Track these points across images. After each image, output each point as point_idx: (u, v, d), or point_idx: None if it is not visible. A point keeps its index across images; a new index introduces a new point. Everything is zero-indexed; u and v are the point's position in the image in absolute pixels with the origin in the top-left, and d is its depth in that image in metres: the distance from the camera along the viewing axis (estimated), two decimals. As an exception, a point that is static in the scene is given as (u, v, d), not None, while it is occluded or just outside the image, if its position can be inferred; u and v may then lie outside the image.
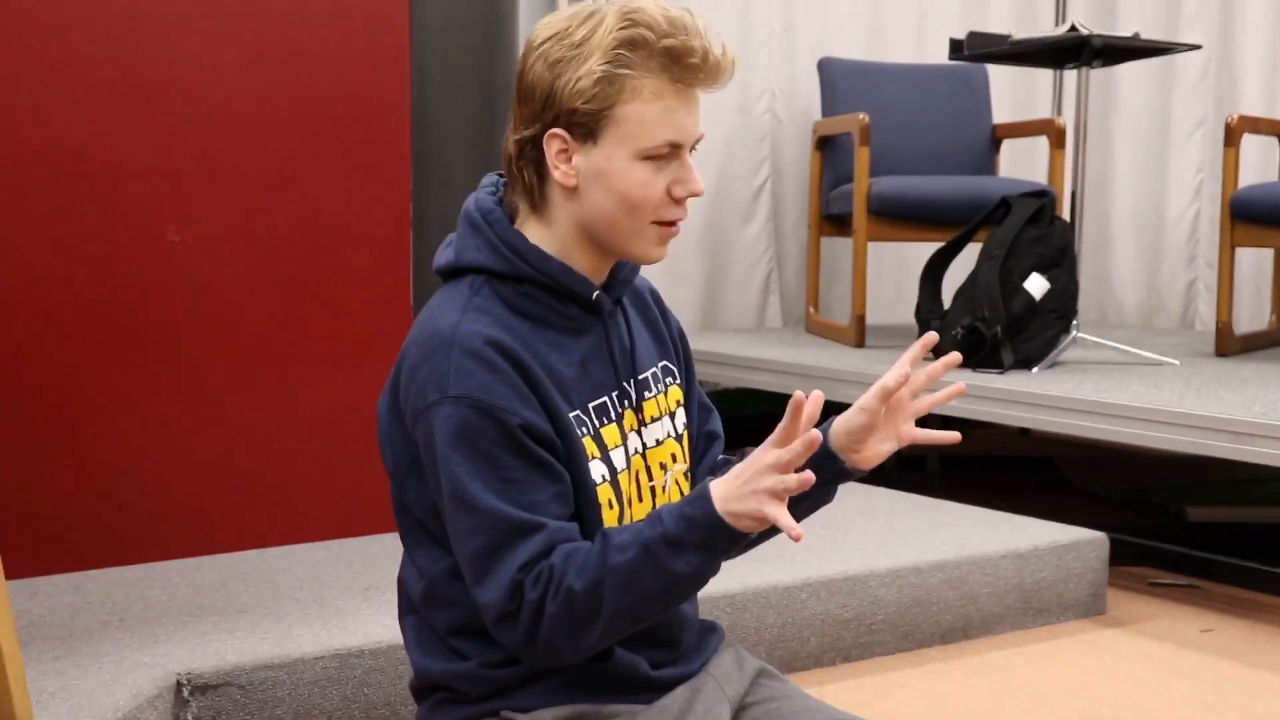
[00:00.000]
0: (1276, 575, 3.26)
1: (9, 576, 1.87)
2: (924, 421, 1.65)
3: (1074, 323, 4.06)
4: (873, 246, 4.52)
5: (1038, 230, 3.98)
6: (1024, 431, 5.13)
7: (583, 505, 1.51)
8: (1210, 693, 2.66)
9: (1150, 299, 5.70)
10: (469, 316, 1.50)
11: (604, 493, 1.54)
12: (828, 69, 5.01)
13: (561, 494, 1.49)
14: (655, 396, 1.64)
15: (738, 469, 1.41)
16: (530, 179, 1.54)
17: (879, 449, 1.58)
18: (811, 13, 5.26)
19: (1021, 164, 5.27)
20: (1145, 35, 4.58)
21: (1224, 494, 4.32)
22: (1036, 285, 3.91)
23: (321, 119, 2.83)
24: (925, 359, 1.59)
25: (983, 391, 3.63)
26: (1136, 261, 5.70)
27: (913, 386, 1.57)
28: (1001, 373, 3.81)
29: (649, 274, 1.74)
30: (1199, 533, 3.90)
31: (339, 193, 2.85)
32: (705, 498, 1.41)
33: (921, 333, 4.11)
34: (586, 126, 1.49)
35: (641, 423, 1.61)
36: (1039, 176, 4.95)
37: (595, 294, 1.57)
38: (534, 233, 1.56)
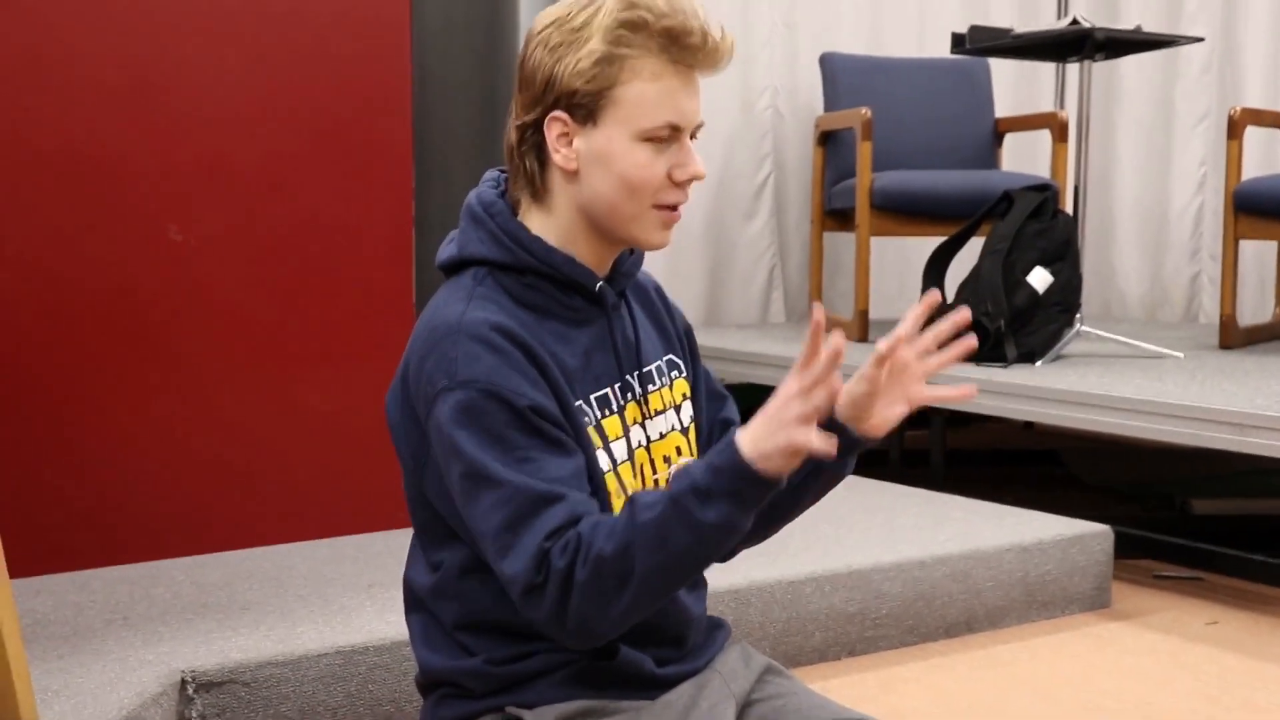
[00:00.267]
0: (1281, 567, 3.26)
1: (13, 575, 1.87)
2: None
3: (1077, 316, 4.06)
4: (875, 241, 4.52)
5: (1040, 224, 3.98)
6: (1028, 425, 5.12)
7: (594, 491, 1.51)
8: (1215, 685, 2.65)
9: (1154, 292, 5.70)
10: (474, 305, 1.50)
11: (610, 481, 1.54)
12: (829, 64, 5.00)
13: (579, 471, 1.48)
14: (660, 389, 1.64)
15: (763, 409, 1.39)
16: (531, 166, 1.54)
17: (887, 415, 1.55)
18: (813, 8, 5.26)
19: (1024, 158, 5.27)
20: (1147, 28, 4.58)
21: (1228, 487, 4.31)
22: (1039, 279, 3.90)
23: (323, 118, 2.83)
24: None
25: (986, 385, 3.63)
26: (1140, 255, 5.69)
27: (918, 348, 1.55)
28: (1005, 366, 3.80)
29: (652, 269, 1.74)
30: (1203, 525, 3.90)
31: (340, 191, 2.85)
32: (731, 445, 1.38)
33: (925, 327, 4.11)
34: (587, 108, 1.49)
35: (646, 415, 1.61)
36: (1042, 170, 4.94)
37: (598, 285, 1.56)
38: (536, 223, 1.56)
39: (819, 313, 1.36)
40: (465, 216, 1.59)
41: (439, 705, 1.62)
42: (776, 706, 1.66)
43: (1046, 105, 5.53)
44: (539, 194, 1.55)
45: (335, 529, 2.88)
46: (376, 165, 2.90)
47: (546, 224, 1.56)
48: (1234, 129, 4.33)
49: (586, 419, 1.53)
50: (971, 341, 1.56)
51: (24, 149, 2.55)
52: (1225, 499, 4.18)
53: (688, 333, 1.74)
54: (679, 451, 1.65)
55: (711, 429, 1.72)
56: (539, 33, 1.52)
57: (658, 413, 1.63)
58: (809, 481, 1.60)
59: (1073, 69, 5.15)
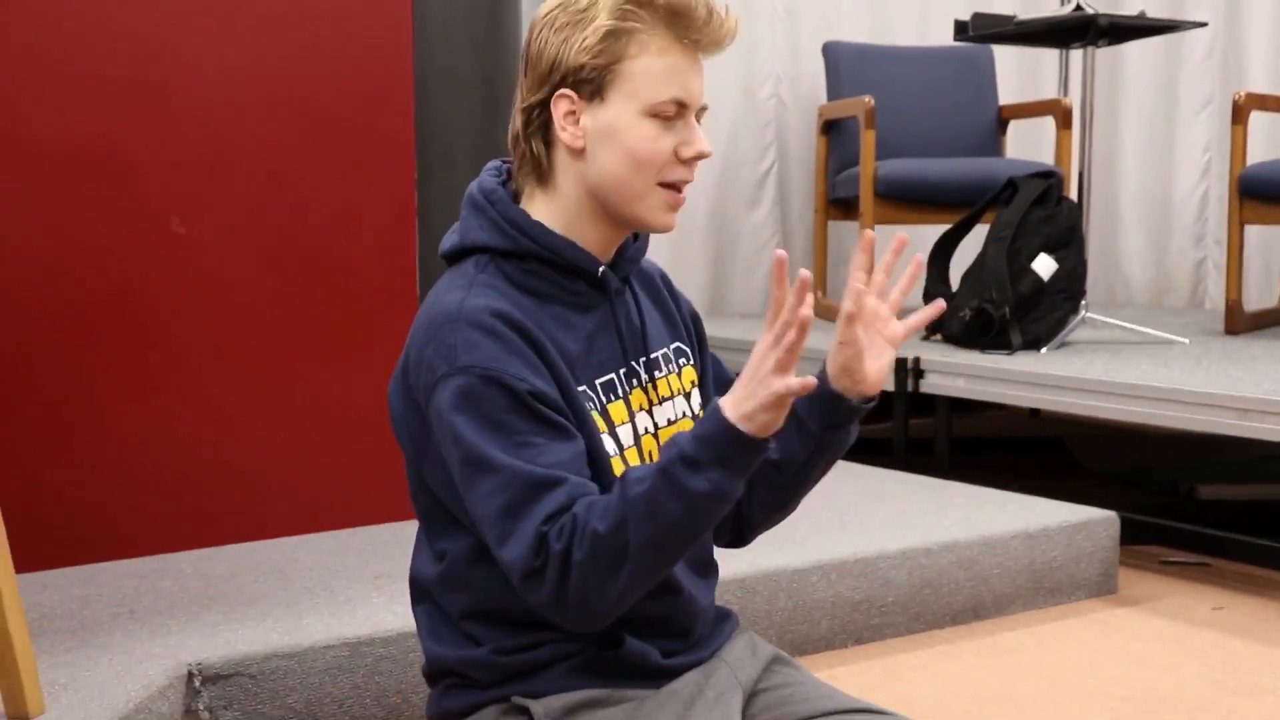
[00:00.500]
0: (1288, 553, 3.26)
1: (19, 570, 1.87)
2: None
3: (1082, 303, 4.05)
4: (879, 229, 4.51)
5: (1045, 211, 3.97)
6: (1034, 412, 5.12)
7: (598, 475, 1.51)
8: (1222, 670, 2.65)
9: (1159, 278, 5.69)
10: (474, 292, 1.51)
11: (616, 466, 1.54)
12: (832, 52, 5.00)
13: (579, 455, 1.48)
14: (667, 376, 1.64)
15: (742, 372, 1.40)
16: (538, 149, 1.55)
17: (878, 366, 1.55)
18: (816, -4, 5.25)
19: (1028, 145, 5.26)
20: (1151, 13, 4.57)
21: (1235, 472, 4.31)
22: (1044, 266, 3.90)
23: (325, 111, 2.83)
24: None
25: (991, 372, 3.63)
26: (1144, 241, 5.69)
27: (877, 290, 1.57)
28: (1010, 354, 3.80)
29: (656, 258, 1.74)
30: (1210, 511, 3.89)
31: (343, 184, 2.85)
32: (716, 412, 1.39)
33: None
34: (594, 84, 1.50)
35: (653, 402, 1.61)
36: (1045, 157, 4.94)
37: (601, 270, 1.56)
38: (540, 209, 1.56)
39: (781, 255, 1.37)
40: (466, 205, 1.59)
41: (445, 695, 1.62)
42: (783, 695, 1.65)
43: (1050, 92, 5.51)
44: (545, 177, 1.56)
45: (341, 521, 2.88)
46: (379, 158, 2.90)
47: (551, 209, 1.56)
48: (1238, 114, 4.33)
49: (590, 404, 1.53)
50: (919, 257, 1.58)
51: (26, 144, 2.55)
52: (1231, 484, 4.18)
53: (695, 321, 1.74)
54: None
55: None
56: (544, 16, 1.54)
57: (665, 399, 1.63)
58: (815, 456, 1.60)
59: (1076, 55, 5.13)
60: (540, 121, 1.54)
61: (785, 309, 1.37)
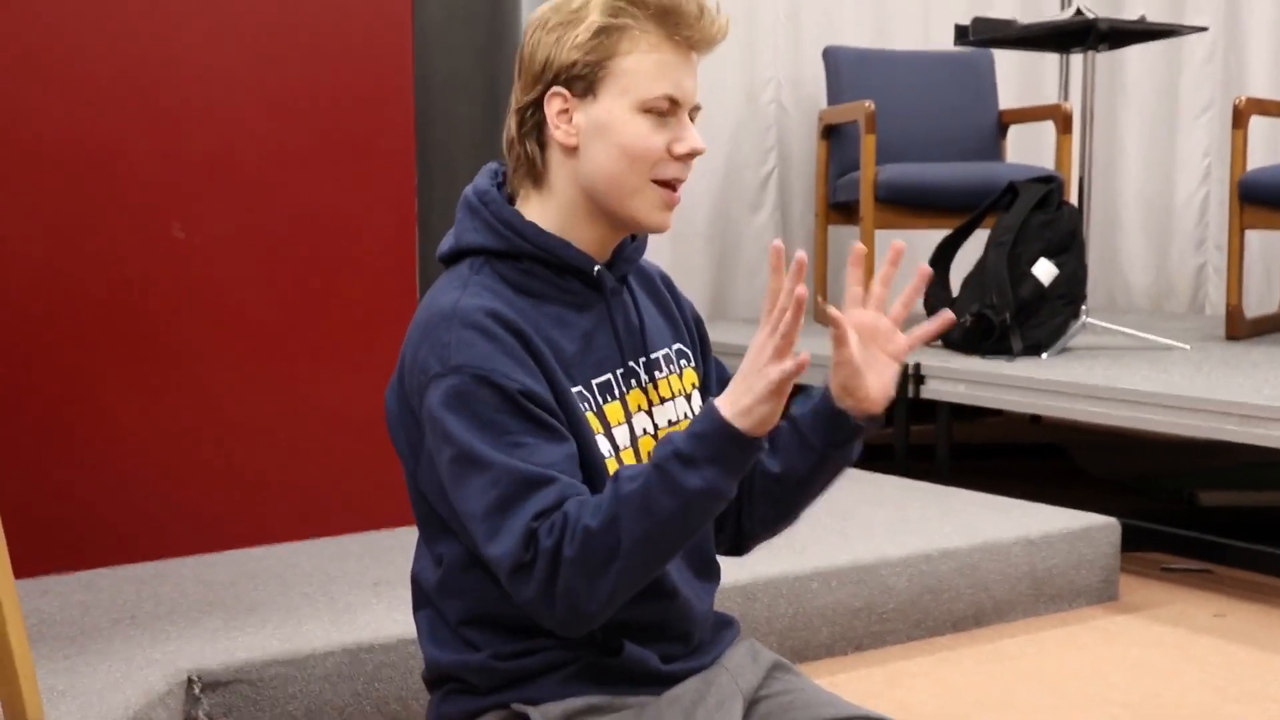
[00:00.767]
0: (1289, 559, 3.25)
1: (18, 575, 1.87)
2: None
3: (1083, 308, 4.05)
4: (880, 234, 4.51)
5: (1045, 215, 3.97)
6: (1034, 418, 5.12)
7: (591, 477, 1.50)
8: (1223, 677, 2.65)
9: (1159, 283, 5.69)
10: (469, 293, 1.51)
11: (610, 467, 1.53)
12: (833, 57, 5.00)
13: (571, 456, 1.47)
14: (667, 377, 1.63)
15: (739, 368, 1.40)
16: (532, 149, 1.55)
17: (880, 384, 1.53)
18: (816, 0, 5.24)
19: (1028, 149, 5.26)
20: (1151, 18, 4.57)
21: (1236, 478, 4.30)
22: (1045, 271, 3.89)
23: (325, 114, 2.83)
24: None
25: (992, 378, 3.63)
26: (1145, 246, 5.69)
27: (875, 303, 1.56)
28: (1011, 359, 3.80)
29: (657, 262, 1.74)
30: (1211, 517, 3.89)
31: (343, 188, 2.85)
32: (711, 409, 1.39)
33: (929, 318, 4.10)
34: (586, 80, 1.51)
35: (652, 403, 1.61)
36: (1046, 162, 4.93)
37: (596, 269, 1.56)
38: (535, 210, 1.56)
39: (778, 244, 1.36)
40: (461, 208, 1.60)
41: (445, 701, 1.61)
42: (784, 703, 1.65)
43: (1050, 97, 5.51)
44: (539, 177, 1.56)
45: (341, 527, 2.88)
46: (379, 161, 2.89)
47: (546, 209, 1.56)
48: (1239, 119, 4.32)
49: (585, 404, 1.53)
50: (923, 267, 1.56)
51: (26, 147, 2.55)
52: (1232, 490, 4.18)
53: (697, 323, 1.74)
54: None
55: None
56: (537, 18, 1.55)
57: (666, 400, 1.62)
58: (817, 471, 1.59)
59: (1076, 60, 5.13)
60: (534, 122, 1.54)
61: (781, 294, 1.35)
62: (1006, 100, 5.15)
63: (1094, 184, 4.40)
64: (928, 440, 4.09)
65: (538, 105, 1.53)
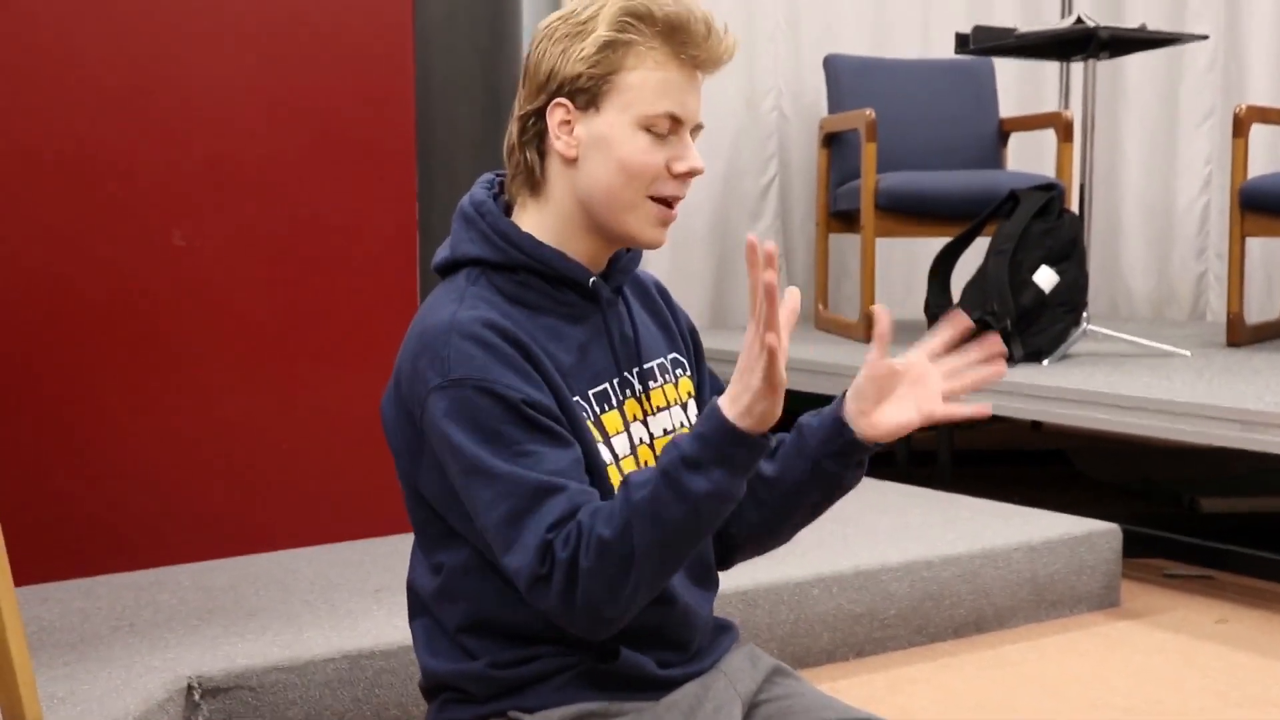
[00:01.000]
0: (1291, 565, 3.25)
1: (18, 583, 1.86)
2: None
3: (1084, 315, 4.05)
4: (881, 242, 4.51)
5: (1046, 223, 3.97)
6: (1035, 425, 5.11)
7: (596, 485, 1.50)
8: (1225, 683, 2.64)
9: (1160, 290, 5.69)
10: (466, 304, 1.51)
11: (612, 474, 1.53)
12: (834, 65, 5.00)
13: (577, 462, 1.48)
14: (662, 386, 1.63)
15: (734, 372, 1.40)
16: (531, 158, 1.55)
17: (896, 417, 1.53)
18: (817, 9, 5.25)
19: (1029, 157, 5.26)
20: (1152, 26, 4.58)
21: (1237, 484, 4.30)
22: (1046, 278, 3.89)
23: (325, 119, 2.83)
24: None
25: (994, 385, 3.62)
26: (1146, 253, 5.69)
27: (929, 352, 1.55)
28: (1012, 366, 3.79)
29: (658, 270, 1.74)
30: (1212, 524, 3.88)
31: (344, 193, 2.85)
32: (713, 411, 1.40)
33: (931, 328, 4.11)
34: (590, 93, 1.51)
35: (648, 412, 1.61)
36: (1047, 170, 4.93)
37: (591, 280, 1.56)
38: (531, 220, 1.56)
39: (752, 238, 1.35)
40: (457, 218, 1.60)
41: (443, 710, 1.61)
42: (784, 707, 1.65)
43: (1051, 105, 5.52)
44: (537, 186, 1.56)
45: (341, 533, 2.87)
46: (380, 166, 2.89)
47: (543, 219, 1.56)
48: (1239, 127, 4.32)
49: (584, 414, 1.53)
50: (1001, 368, 1.55)
51: (26, 153, 2.55)
52: (1233, 497, 4.17)
53: (692, 333, 1.73)
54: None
55: None
56: (545, 27, 1.55)
57: (660, 409, 1.62)
58: (808, 483, 1.59)
59: (1077, 68, 5.14)
60: (535, 130, 1.55)
61: (761, 301, 1.35)
62: (1007, 108, 5.15)
63: (1095, 192, 4.40)
64: (929, 446, 4.10)
65: (540, 114, 1.53)
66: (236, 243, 2.75)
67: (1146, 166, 5.63)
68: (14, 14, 2.52)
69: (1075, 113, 4.58)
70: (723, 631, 1.71)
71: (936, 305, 4.13)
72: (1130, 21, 5.13)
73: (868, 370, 1.53)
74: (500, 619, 1.54)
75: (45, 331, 2.59)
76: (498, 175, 1.63)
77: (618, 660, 1.55)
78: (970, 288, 4.03)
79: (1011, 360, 3.82)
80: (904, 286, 5.29)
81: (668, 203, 1.54)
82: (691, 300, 4.99)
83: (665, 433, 1.62)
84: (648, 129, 1.51)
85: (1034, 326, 3.90)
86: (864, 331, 4.40)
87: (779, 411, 1.39)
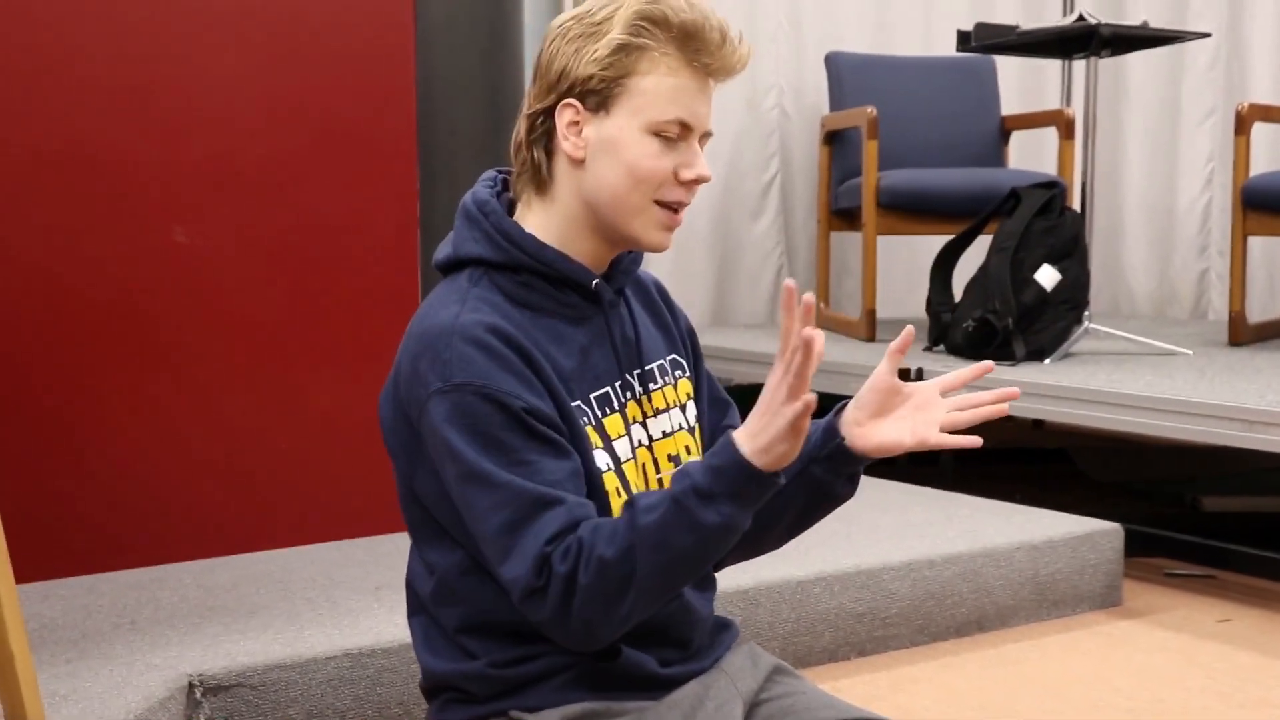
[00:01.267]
0: (1293, 564, 3.25)
1: (20, 580, 1.86)
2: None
3: (1086, 314, 4.04)
4: (882, 240, 4.50)
5: (1048, 221, 3.96)
6: (1037, 423, 5.10)
7: (591, 493, 1.50)
8: (1227, 683, 2.64)
9: (1162, 289, 5.68)
10: (469, 306, 1.50)
11: (609, 480, 1.53)
12: (835, 63, 4.99)
13: (575, 472, 1.48)
14: (663, 388, 1.63)
15: (756, 405, 1.39)
16: (538, 156, 1.55)
17: (887, 434, 1.53)
18: (818, 6, 5.25)
19: (1031, 155, 5.26)
20: (1154, 24, 4.57)
21: (1239, 484, 4.30)
22: (1047, 276, 3.89)
23: (327, 118, 2.83)
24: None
25: (995, 384, 3.61)
26: (1148, 252, 5.68)
27: (942, 385, 1.55)
28: (1014, 365, 3.79)
29: (658, 268, 1.74)
30: (1214, 523, 3.88)
31: (345, 192, 2.85)
32: (730, 445, 1.38)
33: (933, 326, 4.12)
34: (600, 95, 1.50)
35: (647, 414, 1.60)
36: (1048, 168, 4.93)
37: (594, 282, 1.56)
38: (535, 220, 1.56)
39: (790, 284, 1.35)
40: (460, 216, 1.59)
41: (443, 710, 1.61)
42: (785, 706, 1.65)
43: (1053, 102, 5.52)
44: (543, 185, 1.55)
45: (342, 532, 2.87)
46: (381, 166, 2.89)
47: (547, 219, 1.55)
48: (1241, 125, 4.32)
49: (585, 419, 1.53)
50: (1005, 409, 1.55)
51: (27, 151, 2.55)
52: (1235, 496, 4.17)
53: (691, 335, 1.73)
54: (688, 451, 1.64)
55: (714, 437, 1.71)
56: (559, 26, 1.54)
57: (659, 411, 1.62)
58: (793, 490, 1.58)
59: (1079, 66, 5.13)
60: (544, 129, 1.54)
61: (795, 335, 1.35)
62: (1009, 106, 5.15)
63: (1096, 190, 4.39)
64: (930, 446, 4.08)
65: (549, 114, 1.53)
66: (238, 242, 2.75)
67: (1148, 164, 5.63)
68: (15, 14, 2.52)
69: (1077, 111, 4.58)
70: (723, 630, 1.71)
71: (938, 303, 4.12)
72: (1132, 19, 5.12)
73: (873, 382, 1.53)
74: (499, 619, 1.54)
75: (47, 330, 2.58)
76: (500, 172, 1.63)
77: (618, 659, 1.55)
78: (972, 286, 4.03)
79: (1013, 359, 3.82)
80: (905, 284, 5.28)
81: (673, 208, 1.54)
82: (692, 299, 4.98)
83: (664, 434, 1.62)
84: (657, 134, 1.50)
85: (1036, 325, 3.90)
86: (865, 330, 4.39)
87: (796, 455, 1.38)
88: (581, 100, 1.51)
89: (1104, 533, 3.12)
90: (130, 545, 2.67)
